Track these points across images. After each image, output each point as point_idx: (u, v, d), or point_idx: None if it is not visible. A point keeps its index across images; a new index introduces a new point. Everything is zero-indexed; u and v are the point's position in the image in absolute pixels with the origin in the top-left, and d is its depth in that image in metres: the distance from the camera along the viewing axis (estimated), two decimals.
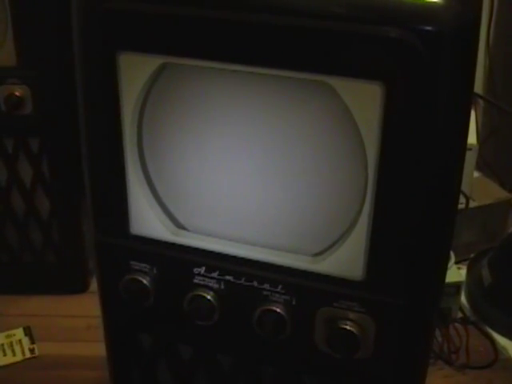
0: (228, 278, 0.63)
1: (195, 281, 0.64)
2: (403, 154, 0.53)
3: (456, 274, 1.00)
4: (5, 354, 0.97)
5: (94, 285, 1.10)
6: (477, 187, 1.14)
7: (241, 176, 0.60)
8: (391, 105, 0.51)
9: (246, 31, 0.53)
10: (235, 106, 0.57)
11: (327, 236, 0.59)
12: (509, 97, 1.26)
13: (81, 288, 1.10)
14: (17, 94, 0.93)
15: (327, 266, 0.59)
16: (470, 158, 1.07)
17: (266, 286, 0.61)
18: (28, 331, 1.01)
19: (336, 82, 0.52)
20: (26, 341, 0.99)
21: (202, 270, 0.63)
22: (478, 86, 1.31)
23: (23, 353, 0.97)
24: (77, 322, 1.03)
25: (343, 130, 0.55)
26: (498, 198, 1.15)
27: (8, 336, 1.00)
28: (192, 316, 0.64)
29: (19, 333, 1.01)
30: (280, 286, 0.61)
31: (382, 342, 0.60)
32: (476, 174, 1.19)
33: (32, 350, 0.98)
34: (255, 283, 0.62)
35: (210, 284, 0.63)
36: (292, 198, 0.59)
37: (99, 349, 0.77)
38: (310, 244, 0.60)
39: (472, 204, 1.11)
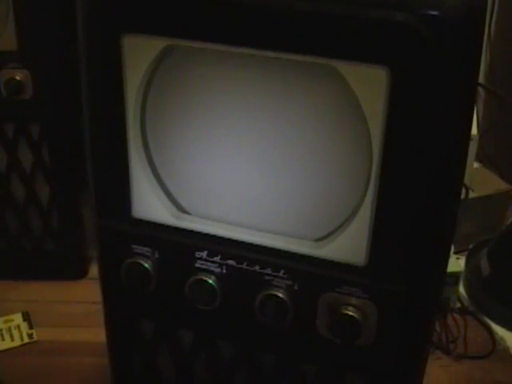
0: (230, 262, 0.62)
1: (197, 265, 0.63)
2: (407, 140, 0.53)
3: (455, 264, 1.01)
4: (3, 339, 0.97)
5: (92, 271, 1.10)
6: (476, 178, 1.14)
7: (244, 161, 0.60)
8: (397, 90, 0.51)
9: (252, 14, 0.53)
10: (240, 89, 0.57)
11: (330, 221, 0.59)
12: (509, 88, 1.26)
13: (80, 274, 1.10)
14: (17, 78, 0.93)
15: (330, 251, 0.59)
16: (470, 149, 1.06)
17: (268, 270, 0.61)
18: (27, 316, 1.01)
19: (342, 66, 0.52)
20: (24, 326, 0.99)
21: (204, 254, 0.63)
22: (479, 77, 1.31)
23: (21, 338, 0.98)
24: (75, 308, 1.03)
25: (348, 114, 0.55)
26: (497, 189, 1.15)
27: (6, 321, 1.00)
28: (193, 300, 0.64)
29: (18, 318, 1.01)
30: (282, 271, 0.61)
31: (383, 328, 0.60)
32: (476, 165, 1.19)
33: (30, 335, 0.98)
34: (257, 268, 0.62)
35: (212, 268, 0.63)
36: (295, 183, 0.59)
37: (98, 335, 0.78)
38: (312, 229, 0.60)
39: (471, 195, 1.11)
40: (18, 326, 0.99)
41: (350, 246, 0.58)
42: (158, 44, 0.56)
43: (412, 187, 0.54)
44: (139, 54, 0.57)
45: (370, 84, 0.52)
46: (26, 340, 0.97)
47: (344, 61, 0.52)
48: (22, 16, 0.91)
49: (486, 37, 1.28)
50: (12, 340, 0.97)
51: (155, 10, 0.55)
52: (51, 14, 0.92)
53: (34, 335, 0.98)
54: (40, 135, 1.00)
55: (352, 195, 0.58)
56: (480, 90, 1.14)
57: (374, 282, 0.59)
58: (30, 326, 0.99)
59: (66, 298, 1.05)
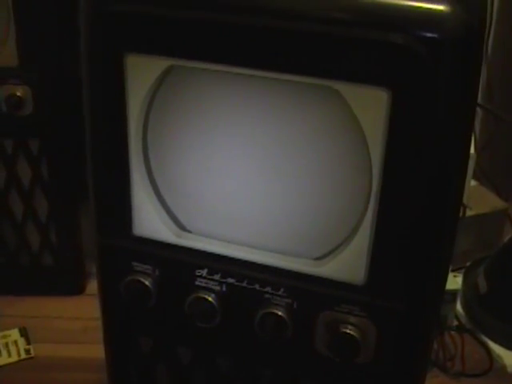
0: (230, 280, 0.63)
1: (197, 283, 0.64)
2: (407, 160, 0.53)
3: (452, 281, 1.01)
4: (0, 355, 0.96)
5: (90, 287, 1.10)
6: (474, 196, 1.15)
7: (244, 179, 0.60)
8: (397, 111, 0.52)
9: (253, 35, 0.53)
10: (240, 109, 0.58)
11: (330, 240, 0.60)
12: (506, 106, 1.27)
13: (78, 290, 1.10)
14: (18, 94, 0.93)
15: (329, 269, 0.59)
16: (468, 167, 1.08)
17: (268, 289, 0.62)
18: (24, 332, 1.01)
19: (342, 87, 0.53)
20: (21, 342, 0.99)
21: (204, 272, 0.63)
22: None
23: (19, 354, 0.97)
24: (73, 324, 1.03)
25: (348, 134, 0.55)
26: (494, 206, 1.16)
27: (3, 337, 1.00)
28: (193, 318, 0.64)
29: (15, 333, 1.01)
30: (282, 290, 0.61)
31: (382, 346, 0.60)
32: (473, 183, 1.19)
33: (28, 351, 0.98)
34: (257, 286, 0.62)
35: (212, 286, 0.63)
36: (295, 202, 0.60)
37: (96, 351, 0.77)
38: (312, 248, 0.61)
39: (469, 213, 1.11)
40: (16, 342, 0.99)
41: (349, 264, 0.59)
42: (160, 64, 0.57)
43: (411, 206, 0.55)
44: (142, 73, 0.57)
45: (370, 105, 0.52)
46: (24, 356, 0.97)
47: (344, 82, 0.52)
48: (22, 33, 0.91)
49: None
50: (9, 356, 0.97)
51: (158, 31, 0.55)
52: (52, 31, 0.93)
53: (32, 351, 0.98)
54: (39, 151, 1.00)
55: (352, 214, 0.58)
56: (477, 108, 1.15)
57: (373, 301, 0.59)
58: (28, 342, 0.99)
59: (64, 313, 1.05)
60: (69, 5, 0.59)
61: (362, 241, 0.57)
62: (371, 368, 0.62)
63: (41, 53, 0.93)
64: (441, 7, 0.50)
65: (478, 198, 1.16)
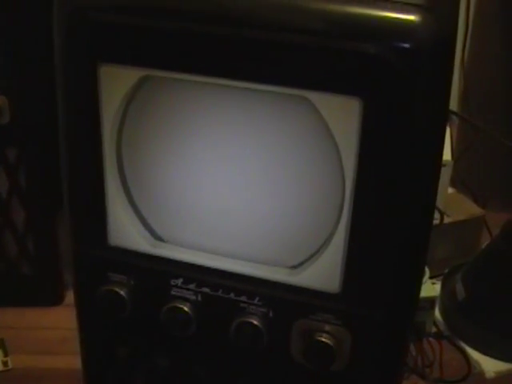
0: (205, 289, 0.63)
1: (172, 292, 0.64)
2: (380, 169, 0.54)
3: (430, 288, 1.01)
4: None
5: (68, 297, 1.09)
6: (451, 203, 1.16)
7: (218, 189, 0.60)
8: (369, 120, 0.52)
9: (226, 45, 0.54)
10: (215, 119, 0.58)
11: (304, 249, 0.60)
12: (483, 114, 1.28)
13: (56, 300, 1.09)
14: None
15: (304, 278, 0.59)
16: (445, 174, 1.08)
17: (243, 298, 0.62)
18: (1, 344, 1.00)
19: (314, 97, 0.53)
20: None
21: (180, 281, 0.63)
22: (453, 104, 1.33)
23: None
24: (51, 335, 1.02)
25: (321, 144, 0.56)
26: (471, 213, 1.17)
27: None
28: (168, 327, 0.64)
29: None
30: (257, 299, 0.61)
31: (357, 354, 0.61)
32: (450, 190, 1.20)
33: (5, 363, 0.97)
34: (232, 295, 0.62)
35: (187, 296, 0.63)
36: (270, 211, 0.60)
37: (74, 362, 0.77)
38: (287, 256, 0.61)
39: (446, 220, 1.12)
40: None
41: (324, 273, 0.59)
42: (134, 74, 0.57)
43: (384, 214, 0.55)
44: (116, 83, 0.57)
45: (342, 114, 0.53)
46: (1, 368, 0.96)
47: (316, 91, 0.53)
48: None
49: (459, 63, 1.31)
50: None
51: (132, 42, 0.55)
52: (29, 41, 0.93)
53: (9, 363, 0.97)
54: (16, 160, 1.00)
55: (326, 223, 0.58)
56: (453, 116, 1.16)
57: (348, 309, 0.59)
58: (5, 354, 0.98)
59: (42, 324, 1.04)
60: (47, 15, 0.59)
61: (337, 249, 0.57)
62: (347, 375, 0.62)
63: (18, 62, 0.93)
64: (412, 17, 0.50)
65: (455, 206, 1.17)
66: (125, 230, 0.63)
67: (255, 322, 0.62)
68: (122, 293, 0.64)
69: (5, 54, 0.92)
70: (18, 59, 0.93)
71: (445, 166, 1.07)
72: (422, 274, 0.63)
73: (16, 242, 1.05)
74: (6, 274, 1.07)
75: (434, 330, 1.03)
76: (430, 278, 1.05)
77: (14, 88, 0.94)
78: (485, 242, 1.14)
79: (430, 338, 1.01)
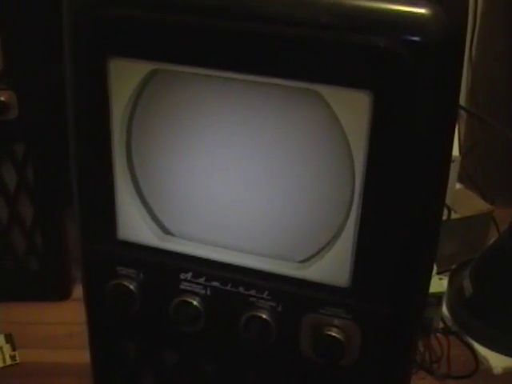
0: (214, 283, 0.63)
1: (181, 286, 0.64)
2: (390, 163, 0.54)
3: (438, 284, 1.01)
4: None
5: (76, 292, 1.09)
6: (458, 199, 1.15)
7: (228, 183, 0.60)
8: (379, 113, 0.52)
9: (236, 39, 0.53)
10: (224, 112, 0.58)
11: (314, 243, 0.60)
12: (491, 109, 1.28)
13: (63, 295, 1.09)
14: (2, 99, 0.93)
15: (313, 272, 0.59)
16: (452, 170, 1.08)
17: (253, 292, 0.62)
18: (9, 338, 1.00)
19: (324, 90, 0.53)
20: (7, 348, 0.99)
21: (189, 275, 0.63)
22: (461, 100, 1.33)
23: (4, 360, 0.97)
24: (59, 330, 1.02)
25: (331, 137, 0.56)
26: (479, 209, 1.16)
27: None
28: (177, 322, 0.64)
29: (0, 340, 1.00)
30: (266, 293, 0.61)
31: (366, 348, 0.61)
32: (458, 186, 1.20)
33: (13, 357, 0.97)
34: (241, 289, 0.62)
35: (197, 290, 0.63)
36: (279, 205, 0.60)
37: (82, 356, 0.77)
38: (296, 251, 0.61)
39: (454, 215, 1.12)
40: (1, 348, 0.98)
41: (333, 267, 0.59)
42: (144, 68, 0.57)
43: (394, 209, 0.55)
44: (125, 77, 0.57)
45: (352, 108, 0.53)
46: (9, 362, 0.96)
47: (326, 85, 0.52)
48: (8, 37, 0.91)
49: (467, 59, 1.30)
50: None
51: (141, 35, 0.55)
52: (37, 36, 0.93)
53: (17, 357, 0.97)
54: (24, 155, 1.00)
55: (335, 217, 0.58)
56: (461, 111, 1.16)
57: (357, 303, 0.59)
58: (13, 348, 0.99)
59: (49, 319, 1.05)
60: (55, 9, 0.59)
61: (346, 243, 0.57)
62: (356, 370, 0.62)
63: (26, 58, 0.93)
64: (422, 10, 0.50)
65: (463, 201, 1.17)
66: (134, 224, 0.63)
67: (264, 316, 0.61)
68: (131, 287, 0.64)
69: (13, 50, 0.92)
70: (26, 55, 0.93)
71: (452, 161, 1.06)
72: (432, 269, 0.63)
73: (24, 237, 1.05)
74: (14, 269, 1.07)
75: (441, 325, 1.03)
76: (438, 273, 1.05)
77: (22, 83, 0.94)
78: (492, 238, 1.14)
79: (438, 334, 1.00)
